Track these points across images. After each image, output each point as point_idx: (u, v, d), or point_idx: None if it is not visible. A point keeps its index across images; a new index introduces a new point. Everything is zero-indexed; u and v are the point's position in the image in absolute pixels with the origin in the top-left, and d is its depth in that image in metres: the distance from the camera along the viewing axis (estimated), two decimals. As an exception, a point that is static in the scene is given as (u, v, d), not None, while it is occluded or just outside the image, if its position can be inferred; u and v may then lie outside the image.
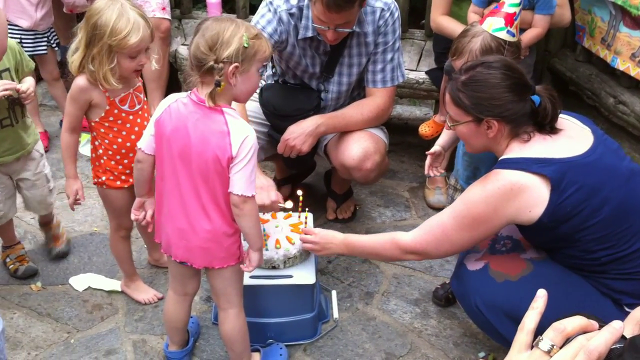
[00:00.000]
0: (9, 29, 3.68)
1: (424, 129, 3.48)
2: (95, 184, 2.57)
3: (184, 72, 2.12)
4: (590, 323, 1.00)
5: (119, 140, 2.44)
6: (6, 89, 2.45)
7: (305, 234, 2.44)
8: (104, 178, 2.51)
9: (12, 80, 2.55)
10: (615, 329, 0.96)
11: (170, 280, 2.37)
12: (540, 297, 1.05)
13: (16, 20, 3.68)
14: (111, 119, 2.41)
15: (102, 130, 2.44)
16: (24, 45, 3.74)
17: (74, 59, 2.33)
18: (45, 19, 3.75)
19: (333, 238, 2.38)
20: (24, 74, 2.64)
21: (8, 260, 2.92)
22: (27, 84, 2.56)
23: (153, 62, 2.41)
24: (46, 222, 3.04)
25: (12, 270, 2.89)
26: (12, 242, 2.95)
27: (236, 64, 1.92)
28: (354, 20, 2.65)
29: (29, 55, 3.77)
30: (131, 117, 2.44)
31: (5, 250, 2.95)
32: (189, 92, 2.06)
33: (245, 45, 1.92)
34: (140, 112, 2.47)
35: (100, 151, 2.48)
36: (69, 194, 2.59)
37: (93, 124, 2.45)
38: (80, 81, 2.35)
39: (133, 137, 2.43)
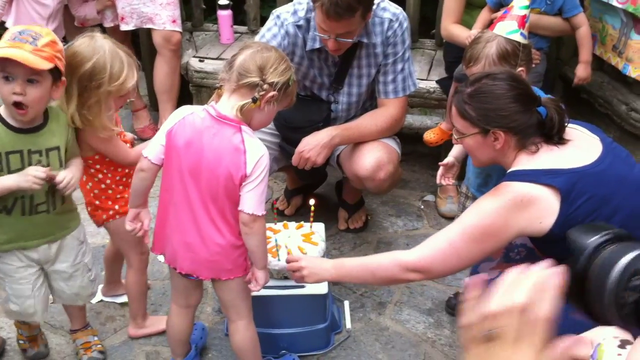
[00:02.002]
0: None
1: (429, 136, 3.48)
2: (104, 222, 2.46)
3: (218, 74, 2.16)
4: None
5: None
6: (37, 181, 2.07)
7: (290, 261, 2.27)
8: (117, 207, 2.43)
9: (61, 161, 2.16)
10: None
11: (173, 293, 2.36)
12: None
13: None
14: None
15: (108, 158, 2.36)
16: None
17: (71, 113, 2.18)
18: (57, 33, 3.78)
19: (321, 262, 2.27)
20: (72, 154, 2.22)
21: (19, 333, 2.56)
22: (67, 172, 2.15)
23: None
24: (77, 329, 2.60)
25: (21, 346, 2.56)
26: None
27: (276, 93, 1.99)
28: (355, 31, 2.64)
29: None
30: (123, 136, 2.41)
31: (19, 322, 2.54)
32: (206, 105, 2.07)
33: (290, 84, 2.02)
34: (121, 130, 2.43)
35: (108, 181, 2.41)
36: None
37: (97, 157, 2.35)
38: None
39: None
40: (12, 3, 3.68)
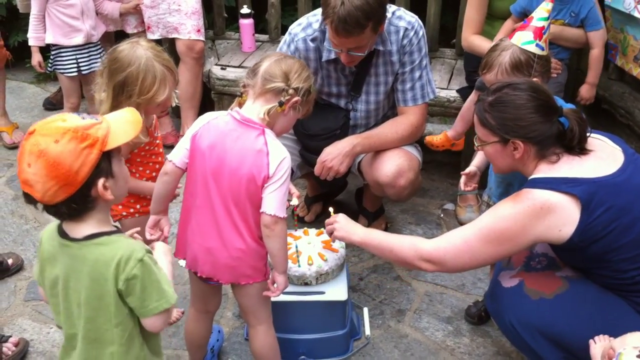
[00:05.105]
0: (64, 50, 3.75)
1: (434, 138, 3.50)
2: (121, 218, 2.47)
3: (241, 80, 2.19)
4: None
5: (157, 167, 2.42)
6: None
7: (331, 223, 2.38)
8: (138, 206, 2.46)
9: None
10: None
11: (192, 298, 2.37)
12: None
13: (70, 41, 3.77)
14: (147, 147, 2.41)
15: (139, 159, 2.41)
16: (80, 64, 3.82)
17: (102, 110, 2.24)
18: (97, 29, 3.86)
19: (355, 225, 2.35)
20: None
21: None
22: None
23: (175, 98, 2.38)
24: None
25: None
26: None
27: (299, 98, 2.07)
28: (367, 45, 2.64)
29: (85, 74, 3.83)
30: (157, 141, 2.46)
31: None
32: (229, 110, 2.11)
33: (311, 91, 2.10)
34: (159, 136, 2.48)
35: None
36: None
37: (129, 156, 2.39)
38: None
39: (160, 159, 2.45)
40: (44, 21, 3.76)
